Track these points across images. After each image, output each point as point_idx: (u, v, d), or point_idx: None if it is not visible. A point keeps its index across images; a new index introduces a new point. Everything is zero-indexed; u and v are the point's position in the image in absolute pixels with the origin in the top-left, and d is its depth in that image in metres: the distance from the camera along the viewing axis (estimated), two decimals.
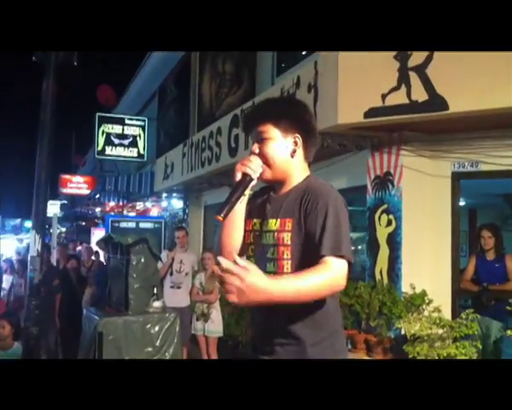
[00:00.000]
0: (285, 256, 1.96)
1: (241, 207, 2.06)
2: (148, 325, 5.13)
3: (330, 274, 1.78)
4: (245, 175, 1.99)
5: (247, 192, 2.04)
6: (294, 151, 2.05)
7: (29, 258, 4.56)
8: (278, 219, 2.01)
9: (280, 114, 2.05)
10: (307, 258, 1.85)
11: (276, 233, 1.99)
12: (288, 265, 1.96)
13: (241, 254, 2.13)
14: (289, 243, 1.95)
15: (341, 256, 1.81)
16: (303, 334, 1.95)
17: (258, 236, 2.08)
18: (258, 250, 2.07)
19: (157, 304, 5.30)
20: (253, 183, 2.02)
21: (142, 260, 5.28)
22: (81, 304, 7.29)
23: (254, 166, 1.99)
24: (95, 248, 8.94)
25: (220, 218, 1.88)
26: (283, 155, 2.04)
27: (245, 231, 2.12)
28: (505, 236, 9.75)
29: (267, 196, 2.14)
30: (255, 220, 2.11)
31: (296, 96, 5.96)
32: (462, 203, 9.11)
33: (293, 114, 2.06)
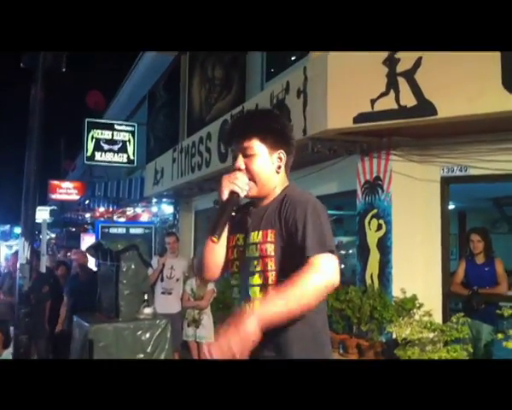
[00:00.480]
0: (269, 267, 1.93)
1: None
2: (139, 332, 5.10)
3: (320, 275, 1.74)
4: (232, 193, 1.94)
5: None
6: (279, 167, 2.03)
7: (18, 266, 4.50)
8: (260, 231, 1.98)
9: (266, 129, 2.01)
10: (291, 267, 1.80)
11: (258, 245, 1.96)
12: (272, 276, 1.93)
13: (224, 271, 2.13)
14: (273, 253, 1.93)
15: (328, 251, 1.78)
16: (290, 351, 1.91)
17: (241, 251, 2.05)
18: (243, 265, 2.04)
19: (148, 310, 5.27)
20: (240, 199, 1.99)
21: (133, 266, 5.25)
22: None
23: (241, 184, 1.95)
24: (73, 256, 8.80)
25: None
26: (269, 171, 2.01)
27: (228, 247, 2.09)
28: (494, 239, 9.87)
29: (247, 210, 2.11)
30: (238, 236, 2.08)
31: (285, 102, 5.99)
32: (451, 207, 9.18)
33: (277, 130, 2.03)
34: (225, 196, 1.95)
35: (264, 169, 2.00)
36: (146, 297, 5.34)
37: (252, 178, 1.99)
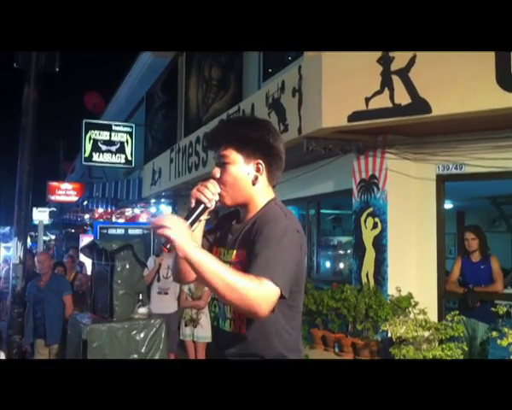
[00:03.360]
0: None
1: (196, 234, 1.96)
2: (134, 332, 5.08)
3: (255, 290, 1.67)
4: (199, 202, 1.89)
5: (203, 217, 1.94)
6: (256, 178, 1.96)
7: (11, 265, 4.51)
8: (235, 251, 1.94)
9: (243, 138, 1.95)
10: None
11: (232, 265, 1.90)
12: None
13: None
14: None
15: (272, 282, 1.69)
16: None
17: None
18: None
19: (142, 310, 5.26)
20: (210, 208, 1.93)
21: (127, 266, 5.23)
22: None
23: (209, 195, 1.89)
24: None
25: (166, 249, 1.76)
26: (244, 181, 1.95)
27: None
28: (493, 237, 9.87)
29: (231, 224, 2.07)
30: (221, 249, 2.03)
31: (281, 101, 5.98)
32: (450, 206, 9.20)
33: (256, 139, 1.95)
34: (192, 204, 1.91)
35: (237, 179, 1.94)
36: (141, 297, 5.33)
37: (225, 187, 1.94)
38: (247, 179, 1.95)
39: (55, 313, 6.18)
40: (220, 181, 1.94)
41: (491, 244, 9.37)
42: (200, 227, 1.98)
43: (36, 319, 6.16)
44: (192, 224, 1.87)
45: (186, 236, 1.69)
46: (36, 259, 6.50)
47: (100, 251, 5.45)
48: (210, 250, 2.00)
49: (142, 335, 5.10)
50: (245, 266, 1.83)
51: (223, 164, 1.95)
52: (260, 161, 1.96)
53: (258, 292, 1.67)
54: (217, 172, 1.96)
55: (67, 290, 6.47)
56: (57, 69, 5.02)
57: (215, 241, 2.08)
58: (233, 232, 2.01)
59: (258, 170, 1.96)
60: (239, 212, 2.06)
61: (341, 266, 8.93)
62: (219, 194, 1.93)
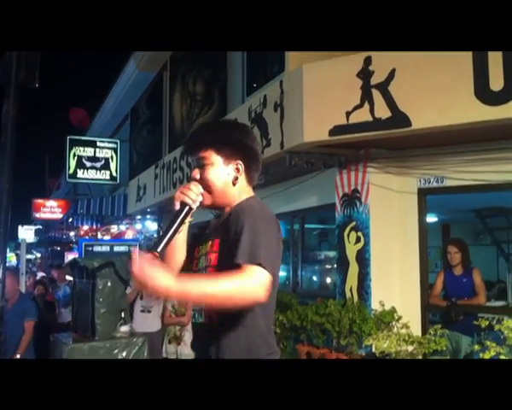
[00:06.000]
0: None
1: (181, 237, 2.00)
2: (116, 351, 5.01)
3: (241, 281, 1.69)
4: (183, 204, 1.92)
5: (187, 220, 1.97)
6: (236, 178, 2.00)
7: None
8: (209, 241, 1.98)
9: (222, 140, 1.99)
10: None
11: (207, 255, 1.96)
12: None
13: None
14: (215, 263, 1.91)
15: (257, 264, 1.72)
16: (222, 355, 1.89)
17: (199, 261, 2.05)
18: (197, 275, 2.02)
19: (124, 328, 5.19)
20: (193, 210, 1.96)
21: (109, 283, 5.18)
22: (49, 330, 7.11)
23: (193, 195, 1.93)
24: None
25: (156, 253, 1.77)
26: (224, 181, 1.98)
27: (194, 258, 2.07)
28: (478, 250, 9.90)
29: (210, 222, 2.12)
30: (200, 247, 2.06)
31: (263, 115, 5.99)
32: (435, 219, 9.23)
33: (235, 141, 2.00)
34: (176, 207, 1.93)
35: (217, 179, 1.98)
36: (123, 315, 5.26)
37: (206, 188, 1.97)
38: (227, 180, 1.99)
39: (14, 338, 5.84)
40: (201, 182, 1.97)
41: (477, 257, 9.42)
42: (184, 230, 2.01)
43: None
44: (179, 226, 1.89)
45: (161, 279, 1.66)
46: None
47: (81, 269, 5.39)
48: (193, 252, 2.06)
49: (124, 353, 5.03)
50: (219, 253, 1.89)
51: (203, 166, 1.99)
52: (240, 162, 2.00)
53: (250, 284, 1.70)
54: (197, 173, 2.00)
55: (31, 316, 6.13)
56: (37, 85, 4.94)
57: (197, 241, 2.10)
58: (211, 227, 2.07)
59: (237, 170, 2.00)
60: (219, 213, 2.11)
61: (327, 280, 8.91)
62: (201, 195, 1.97)
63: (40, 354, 6.20)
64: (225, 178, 1.99)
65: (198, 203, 1.95)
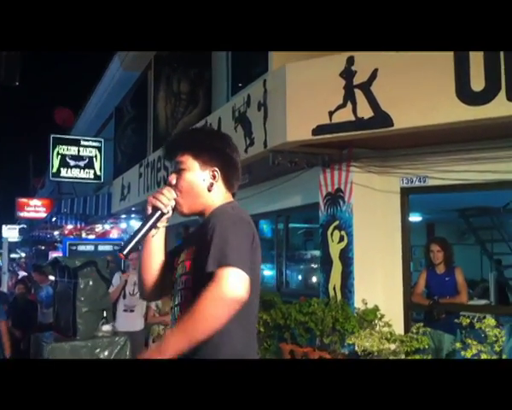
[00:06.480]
0: (186, 285, 1.90)
1: (156, 242, 1.99)
2: (97, 350, 4.97)
3: (215, 289, 1.66)
4: (155, 209, 1.91)
5: (162, 225, 1.96)
6: (212, 185, 1.98)
7: None
8: (186, 250, 1.96)
9: (200, 145, 1.99)
10: (204, 284, 1.73)
11: (183, 262, 1.94)
12: (188, 294, 1.87)
13: (168, 289, 2.06)
14: (191, 271, 1.89)
15: (227, 265, 1.69)
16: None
17: (177, 270, 2.03)
18: (175, 284, 2.00)
19: (106, 328, 5.15)
20: (167, 215, 1.95)
21: (91, 282, 5.13)
22: (29, 330, 7.05)
23: (165, 200, 1.91)
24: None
25: (122, 256, 1.79)
26: (199, 187, 1.97)
27: (173, 268, 2.04)
28: (463, 249, 9.97)
29: (189, 231, 2.11)
30: (178, 257, 2.04)
31: (247, 115, 5.98)
32: (419, 218, 9.29)
33: (213, 147, 1.99)
34: (148, 211, 1.92)
35: (192, 185, 1.97)
36: (105, 314, 5.22)
37: (180, 193, 1.96)
38: (202, 186, 1.97)
39: None
40: (176, 187, 1.96)
41: (461, 256, 9.50)
42: (160, 235, 2.00)
43: None
44: (148, 231, 1.89)
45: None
46: None
47: (63, 268, 5.34)
48: (173, 263, 2.02)
49: (106, 353, 4.99)
50: (194, 261, 1.87)
51: (179, 170, 1.98)
52: (216, 169, 1.99)
53: (223, 290, 1.66)
54: (173, 178, 1.99)
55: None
56: (17, 83, 4.91)
57: (176, 251, 2.07)
58: (189, 237, 2.07)
59: (213, 177, 1.99)
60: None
61: (312, 279, 8.92)
62: (176, 201, 1.95)
63: (21, 353, 6.17)
64: (200, 183, 1.97)
65: (170, 208, 1.93)
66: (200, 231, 1.91)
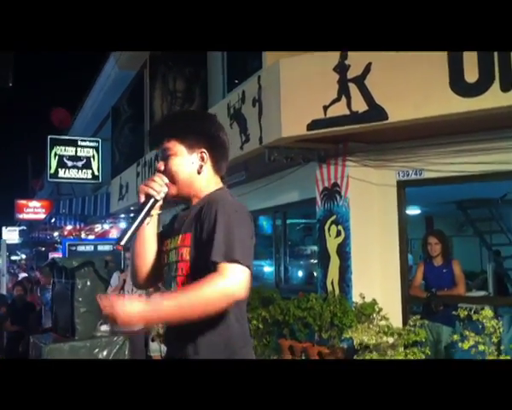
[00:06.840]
0: (184, 272, 1.89)
1: (150, 229, 1.99)
2: (96, 350, 4.99)
3: (221, 282, 1.68)
4: (148, 196, 1.91)
5: (155, 212, 1.96)
6: (201, 167, 1.98)
7: None
8: (180, 235, 1.95)
9: (185, 129, 1.99)
10: (204, 272, 1.75)
11: (177, 249, 1.93)
12: (185, 280, 1.88)
13: (160, 275, 2.07)
14: (188, 258, 1.89)
15: (235, 261, 1.70)
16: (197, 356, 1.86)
17: (169, 255, 2.02)
18: (166, 270, 2.01)
19: (105, 328, 5.16)
20: (160, 203, 1.95)
21: (88, 283, 5.15)
22: (28, 331, 7.06)
23: (157, 187, 1.92)
24: None
25: (120, 247, 1.79)
26: (189, 171, 1.97)
27: (162, 251, 2.05)
28: (461, 241, 9.97)
29: (178, 214, 2.08)
30: (169, 240, 2.04)
31: (242, 111, 5.97)
32: (418, 211, 9.29)
33: (198, 129, 1.99)
34: (141, 200, 1.92)
35: (181, 168, 1.96)
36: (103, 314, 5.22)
37: (170, 178, 1.96)
38: (191, 169, 1.98)
39: None
40: (165, 173, 1.96)
41: (460, 249, 9.50)
42: (153, 222, 2.00)
43: None
44: (144, 219, 1.89)
45: (129, 307, 1.67)
46: None
47: (60, 269, 5.35)
48: (162, 245, 2.03)
49: (104, 353, 5.01)
50: (191, 248, 1.87)
51: (167, 157, 1.98)
52: (204, 150, 1.99)
53: (230, 285, 1.68)
54: (161, 165, 1.99)
55: None
56: (10, 84, 4.90)
57: (165, 235, 2.08)
58: (179, 220, 2.04)
59: (202, 159, 1.99)
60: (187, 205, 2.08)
61: (311, 275, 8.92)
62: (167, 186, 1.95)
63: (19, 355, 6.18)
64: (190, 167, 1.97)
65: (163, 194, 1.93)
66: (198, 217, 1.90)
